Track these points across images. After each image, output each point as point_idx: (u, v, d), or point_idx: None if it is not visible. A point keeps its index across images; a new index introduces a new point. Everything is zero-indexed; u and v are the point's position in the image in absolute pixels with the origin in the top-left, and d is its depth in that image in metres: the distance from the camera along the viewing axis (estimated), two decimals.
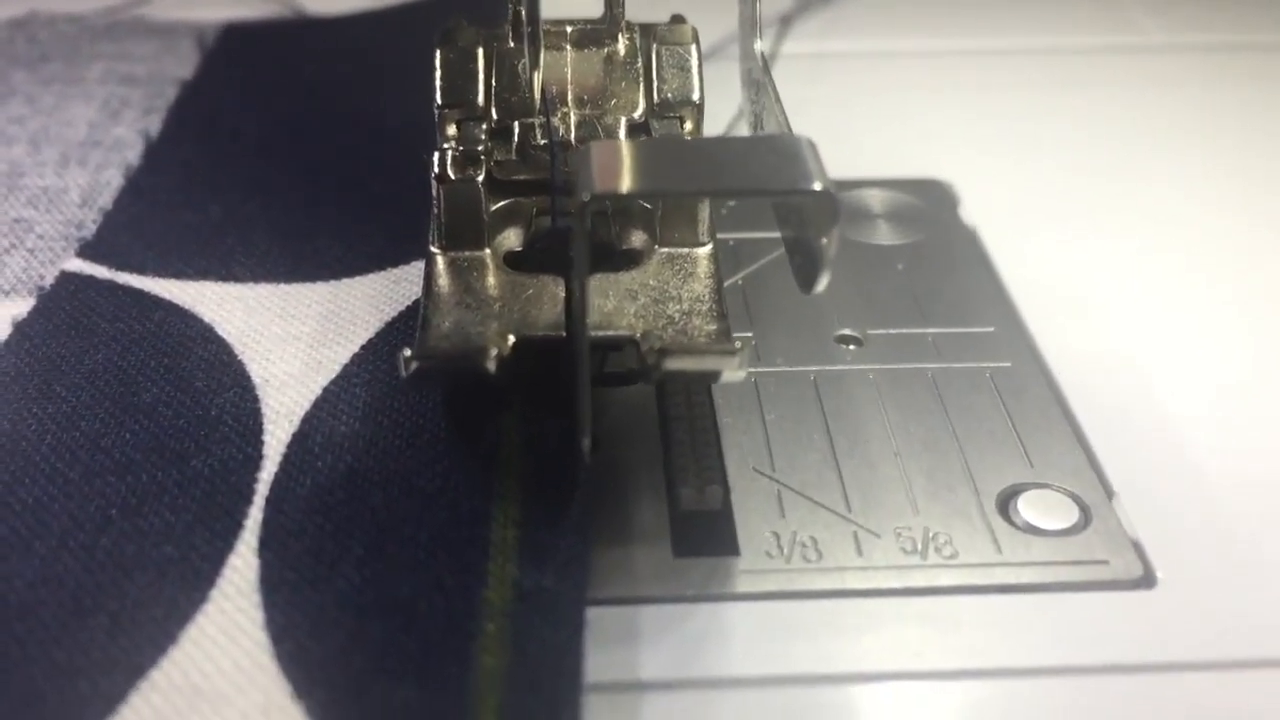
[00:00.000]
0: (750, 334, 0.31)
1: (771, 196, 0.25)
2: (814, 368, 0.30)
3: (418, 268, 0.29)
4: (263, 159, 0.37)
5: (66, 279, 0.31)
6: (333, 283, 0.31)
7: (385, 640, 0.21)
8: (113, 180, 0.36)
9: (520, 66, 0.28)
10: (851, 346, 0.31)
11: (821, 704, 0.22)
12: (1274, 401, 0.29)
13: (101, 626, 0.22)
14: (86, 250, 0.33)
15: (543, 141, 0.28)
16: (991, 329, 0.31)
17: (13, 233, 0.34)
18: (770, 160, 0.22)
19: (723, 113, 0.36)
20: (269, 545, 0.23)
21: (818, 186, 0.22)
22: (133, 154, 0.38)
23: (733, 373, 0.24)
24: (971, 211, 0.36)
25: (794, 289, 0.31)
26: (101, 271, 0.32)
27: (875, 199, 0.37)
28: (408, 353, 0.23)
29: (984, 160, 0.39)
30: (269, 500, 0.24)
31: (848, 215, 0.36)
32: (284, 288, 0.31)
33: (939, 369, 0.30)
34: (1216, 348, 0.31)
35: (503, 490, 0.24)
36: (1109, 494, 0.26)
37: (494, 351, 0.24)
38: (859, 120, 0.42)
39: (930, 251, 0.34)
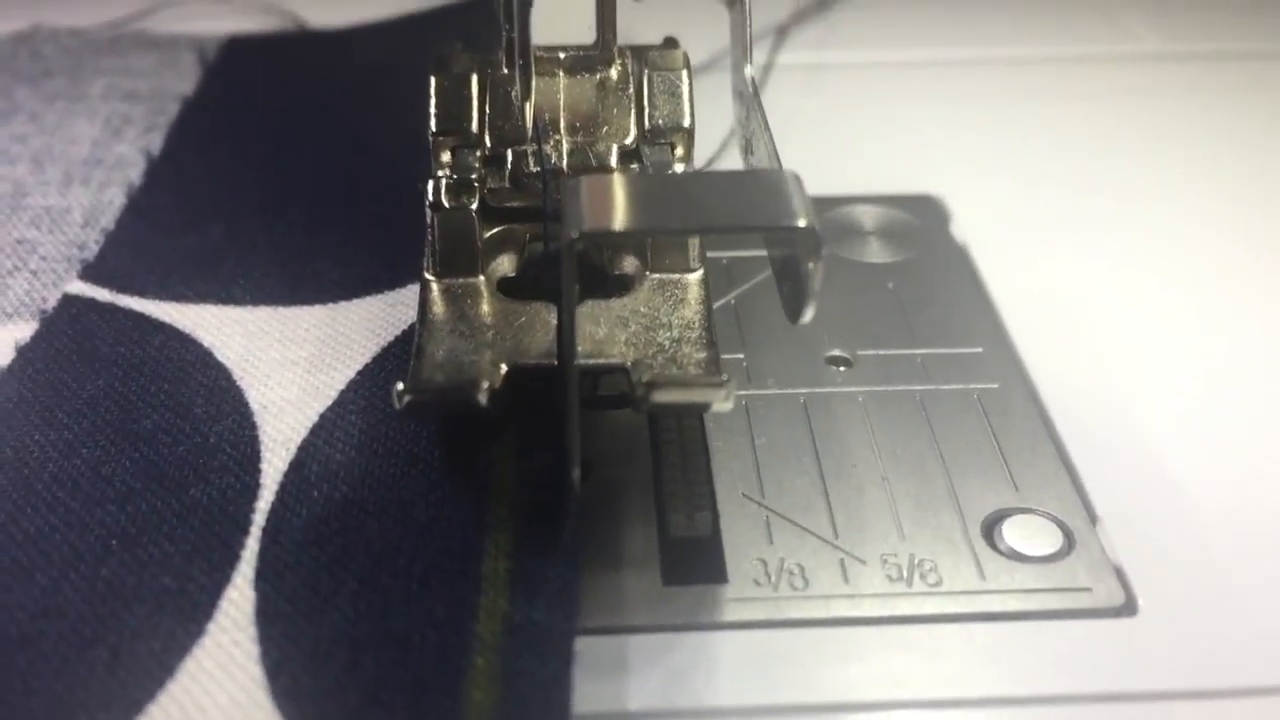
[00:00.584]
0: (742, 355, 0.31)
1: (757, 233, 0.25)
2: (804, 390, 0.30)
3: (413, 291, 0.29)
4: (263, 178, 0.38)
5: (69, 302, 0.32)
6: (330, 305, 0.31)
7: (379, 674, 0.22)
8: (115, 200, 0.37)
9: (514, 94, 0.28)
10: (841, 368, 0.31)
11: None
12: (1260, 429, 0.29)
13: (101, 660, 0.22)
14: (89, 272, 0.33)
15: (536, 169, 0.28)
16: (980, 349, 0.31)
17: (16, 254, 0.34)
18: (756, 196, 0.23)
19: (716, 124, 0.36)
20: (265, 577, 0.24)
21: (802, 223, 0.22)
22: (135, 173, 0.38)
23: (721, 404, 0.24)
24: (963, 227, 0.37)
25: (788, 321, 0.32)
26: (103, 294, 0.32)
27: (867, 215, 0.37)
28: (400, 386, 0.24)
29: (977, 174, 0.40)
30: (265, 531, 0.25)
31: (839, 231, 0.36)
32: (283, 311, 0.31)
33: (927, 390, 0.30)
34: (1205, 373, 0.31)
35: (495, 520, 0.25)
36: (1093, 519, 0.26)
37: (485, 384, 0.24)
38: (852, 133, 0.42)
39: (921, 269, 0.35)
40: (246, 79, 0.44)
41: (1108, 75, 0.46)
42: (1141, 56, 0.48)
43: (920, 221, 0.37)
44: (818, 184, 0.23)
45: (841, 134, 0.42)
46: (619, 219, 0.22)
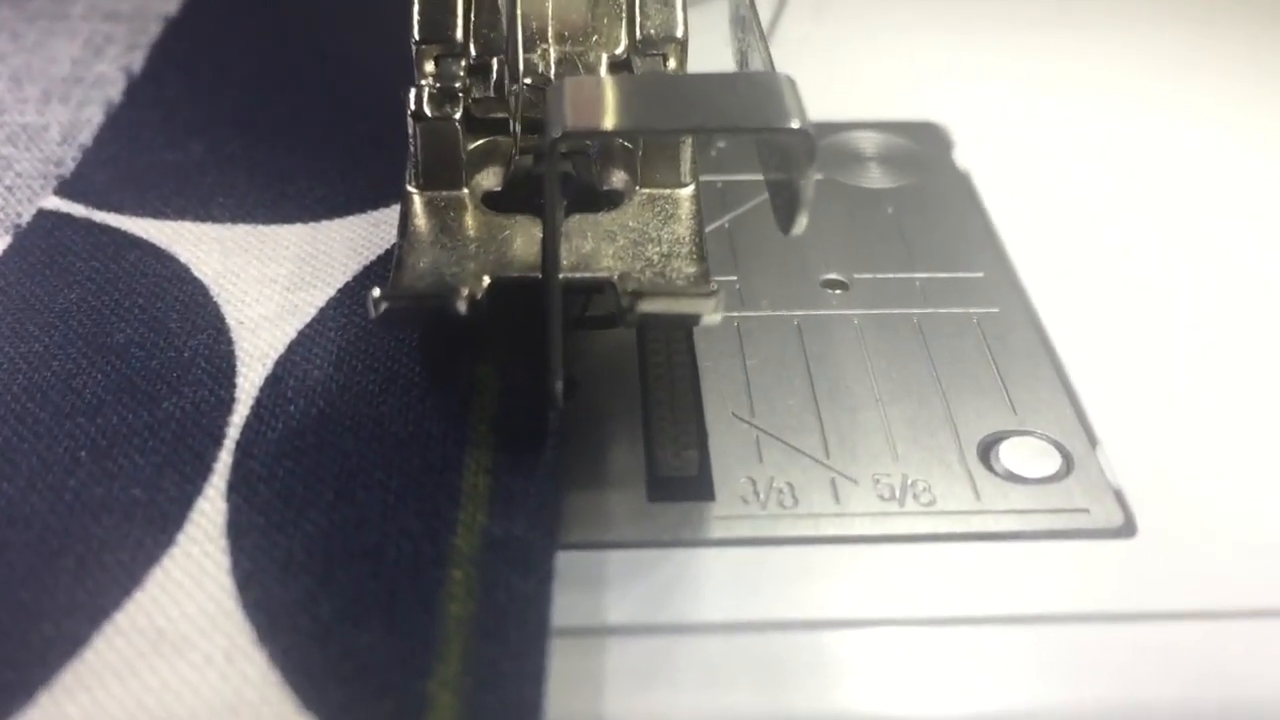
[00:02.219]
0: (735, 277, 0.30)
1: (748, 134, 0.24)
2: (798, 312, 0.29)
3: (397, 210, 0.28)
4: (246, 98, 0.37)
5: (43, 217, 0.31)
6: (312, 224, 0.31)
7: (352, 586, 0.21)
8: (94, 117, 0.36)
9: (501, 1, 0.27)
10: (837, 291, 0.30)
11: (794, 650, 0.22)
12: (1261, 354, 0.28)
13: (67, 569, 0.22)
14: (64, 188, 0.32)
15: (527, 81, 0.27)
16: (980, 274, 0.31)
17: None
18: (748, 97, 0.22)
19: (711, 53, 0.35)
20: (238, 490, 0.23)
21: (795, 124, 0.21)
22: (115, 91, 0.37)
23: (710, 316, 0.23)
24: (965, 155, 0.36)
25: (780, 232, 0.31)
26: (79, 210, 0.31)
27: (867, 141, 0.36)
28: (377, 293, 0.23)
29: (981, 102, 0.39)
30: (239, 444, 0.24)
31: (839, 157, 0.35)
32: (262, 229, 0.31)
33: (925, 314, 0.29)
34: (1207, 298, 0.30)
35: (475, 437, 0.24)
36: (1092, 442, 0.26)
37: (465, 292, 0.23)
38: (854, 60, 0.41)
39: (921, 195, 0.34)
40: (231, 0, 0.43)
41: (1111, 8, 0.45)
42: None
43: (922, 148, 0.36)
44: (817, 110, 0.22)
45: (841, 62, 0.41)
46: (605, 118, 0.21)
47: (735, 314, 0.29)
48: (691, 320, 0.24)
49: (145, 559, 0.22)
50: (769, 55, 0.26)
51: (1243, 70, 0.41)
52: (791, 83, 0.22)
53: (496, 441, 0.24)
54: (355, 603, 0.21)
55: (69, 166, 0.33)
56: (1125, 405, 0.27)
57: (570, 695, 0.21)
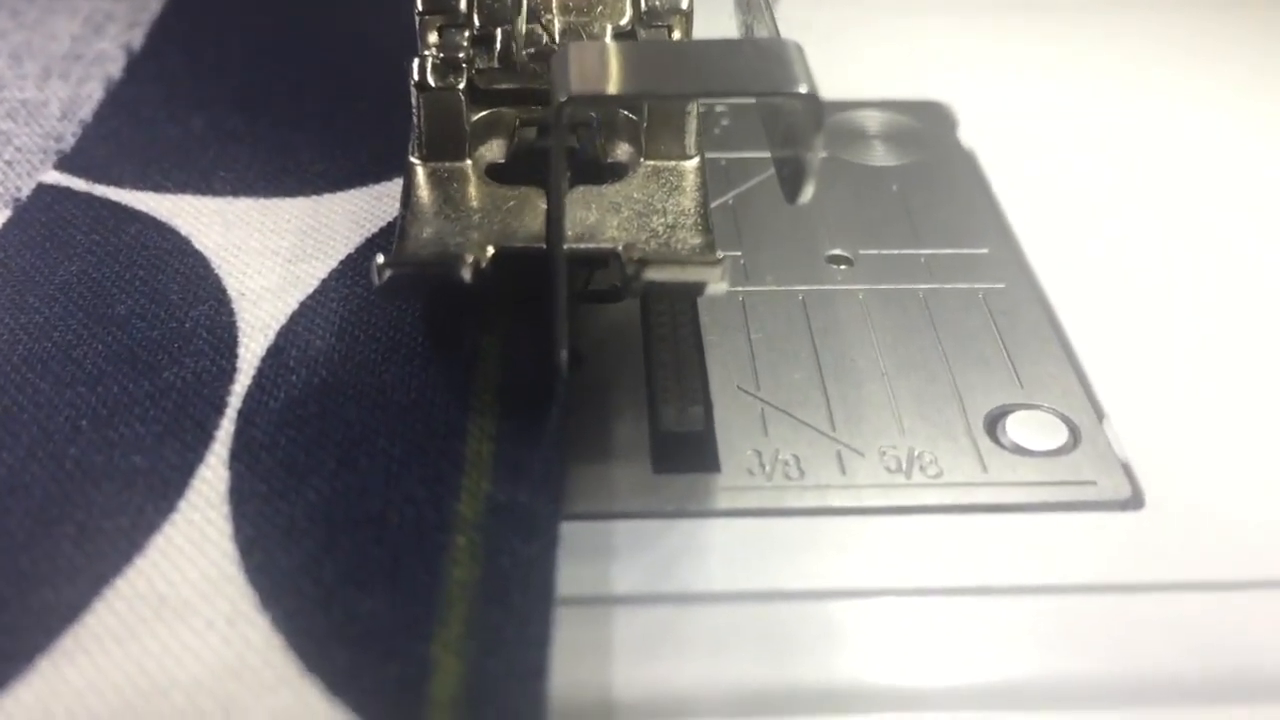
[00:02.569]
0: (739, 253, 0.30)
1: (755, 98, 0.24)
2: (803, 287, 0.29)
3: (400, 183, 0.28)
4: (247, 73, 0.36)
5: (43, 191, 0.31)
6: (314, 198, 0.30)
7: (355, 552, 0.21)
8: (94, 93, 0.35)
9: None
10: (842, 266, 0.30)
11: (801, 619, 0.22)
12: (1267, 328, 0.28)
13: (67, 535, 0.22)
14: (64, 162, 0.32)
15: (530, 50, 0.27)
16: (986, 250, 0.30)
17: None
18: (755, 62, 0.22)
19: (714, 27, 0.35)
20: (240, 457, 0.23)
21: (803, 89, 0.21)
22: (115, 67, 0.37)
23: (716, 284, 0.23)
24: (970, 134, 0.36)
25: (785, 209, 0.31)
26: (79, 184, 0.31)
27: (871, 120, 0.36)
28: (381, 260, 0.23)
29: (985, 82, 0.38)
30: (241, 413, 0.24)
31: (843, 135, 0.35)
32: (264, 202, 0.30)
33: (930, 289, 0.29)
34: (1213, 273, 0.30)
35: (478, 405, 0.24)
36: (1099, 415, 0.26)
37: (470, 259, 0.23)
38: (858, 41, 0.41)
39: (926, 173, 0.34)
40: None
41: None
42: None
43: (926, 127, 0.36)
44: (821, 90, 0.22)
45: (845, 42, 0.41)
46: (610, 82, 0.21)
47: (740, 288, 0.29)
48: (697, 289, 0.24)
49: (146, 526, 0.22)
50: (775, 25, 0.26)
51: (1248, 51, 0.40)
52: (799, 49, 0.22)
53: (500, 409, 0.23)
54: (358, 568, 0.20)
55: (69, 141, 0.33)
56: (1131, 379, 0.27)
57: (577, 664, 0.21)
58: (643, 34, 0.27)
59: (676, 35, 0.28)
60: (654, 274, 0.23)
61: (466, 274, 0.23)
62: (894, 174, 0.34)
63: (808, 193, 0.23)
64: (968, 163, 0.34)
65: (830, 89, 0.27)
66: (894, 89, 0.37)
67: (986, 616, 0.22)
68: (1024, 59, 0.40)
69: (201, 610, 0.20)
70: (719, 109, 0.36)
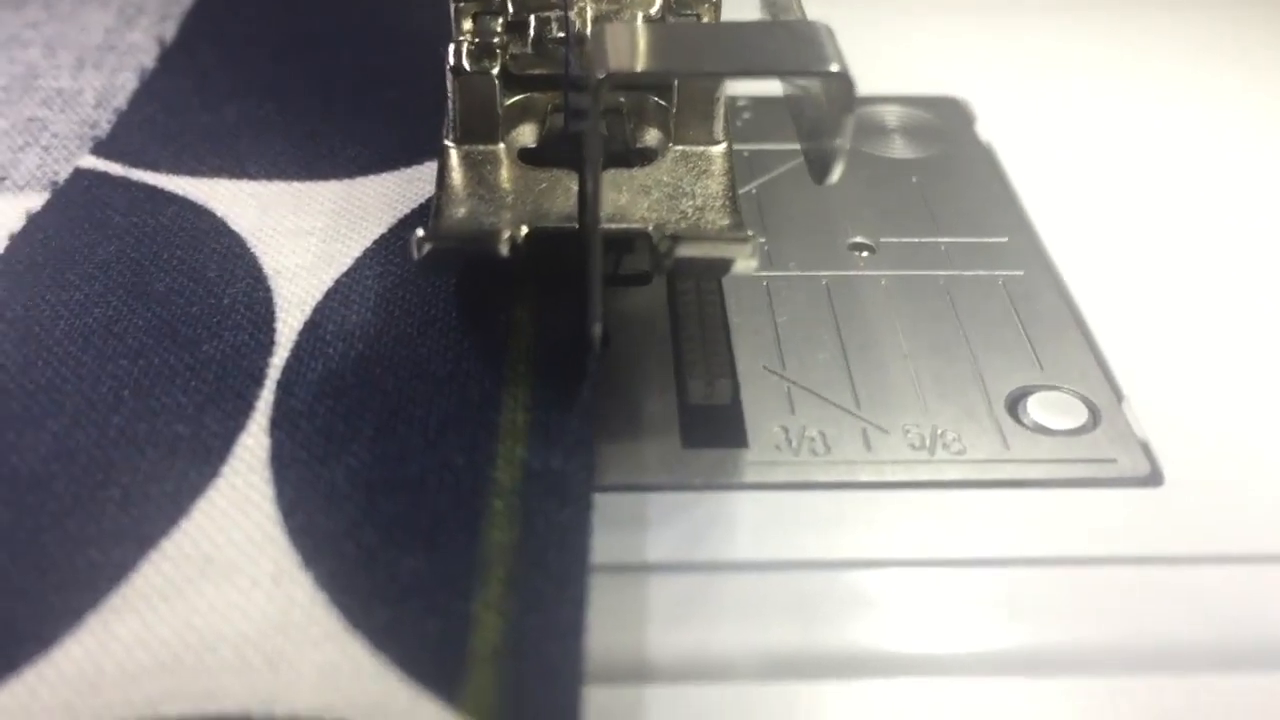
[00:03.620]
0: (763, 240, 0.31)
1: (786, 77, 0.24)
2: (826, 273, 0.30)
3: (432, 168, 0.29)
4: (279, 64, 0.37)
5: (80, 175, 0.31)
6: (346, 181, 0.31)
7: (394, 514, 0.21)
8: (127, 83, 0.36)
9: None
10: (864, 254, 0.30)
11: (826, 588, 0.22)
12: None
13: (113, 499, 0.22)
14: (100, 148, 0.33)
15: (560, 34, 0.27)
16: (1005, 239, 0.31)
17: (28, 131, 0.34)
18: (787, 43, 0.22)
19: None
20: (280, 425, 0.23)
21: (834, 68, 0.21)
22: (148, 58, 0.37)
23: (745, 261, 0.24)
24: (987, 128, 0.36)
25: (808, 198, 0.31)
26: (115, 168, 0.32)
27: (891, 114, 0.36)
28: (420, 233, 0.23)
29: (1001, 79, 0.39)
30: (280, 384, 0.24)
31: (864, 129, 0.36)
32: (297, 185, 0.31)
33: (951, 276, 0.30)
34: (1227, 256, 0.31)
35: (513, 375, 0.24)
36: (1118, 397, 0.26)
37: (507, 234, 0.24)
38: (877, 36, 0.41)
39: (945, 165, 0.34)
40: None
41: None
42: None
43: (944, 121, 0.36)
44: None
45: (864, 39, 0.41)
46: (645, 60, 0.22)
47: (764, 273, 0.29)
48: (726, 266, 0.24)
49: (190, 490, 0.22)
50: (803, 11, 0.27)
51: (1263, 45, 0.41)
52: (829, 31, 0.22)
53: (534, 380, 0.24)
54: (399, 529, 0.21)
55: (104, 129, 0.34)
56: (1149, 361, 0.27)
57: (613, 628, 0.21)
58: (672, 21, 0.28)
59: (706, 22, 0.28)
60: (685, 250, 0.24)
61: (504, 249, 0.23)
62: (914, 166, 0.34)
63: (836, 173, 0.23)
64: (985, 156, 0.35)
65: None
66: (913, 85, 0.38)
67: (1008, 587, 0.22)
68: (1039, 55, 0.41)
69: (246, 569, 0.21)
70: (740, 102, 0.36)
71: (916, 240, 0.31)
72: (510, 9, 0.28)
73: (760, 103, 0.36)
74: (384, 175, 0.31)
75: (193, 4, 0.41)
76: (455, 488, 0.22)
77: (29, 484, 0.22)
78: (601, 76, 0.21)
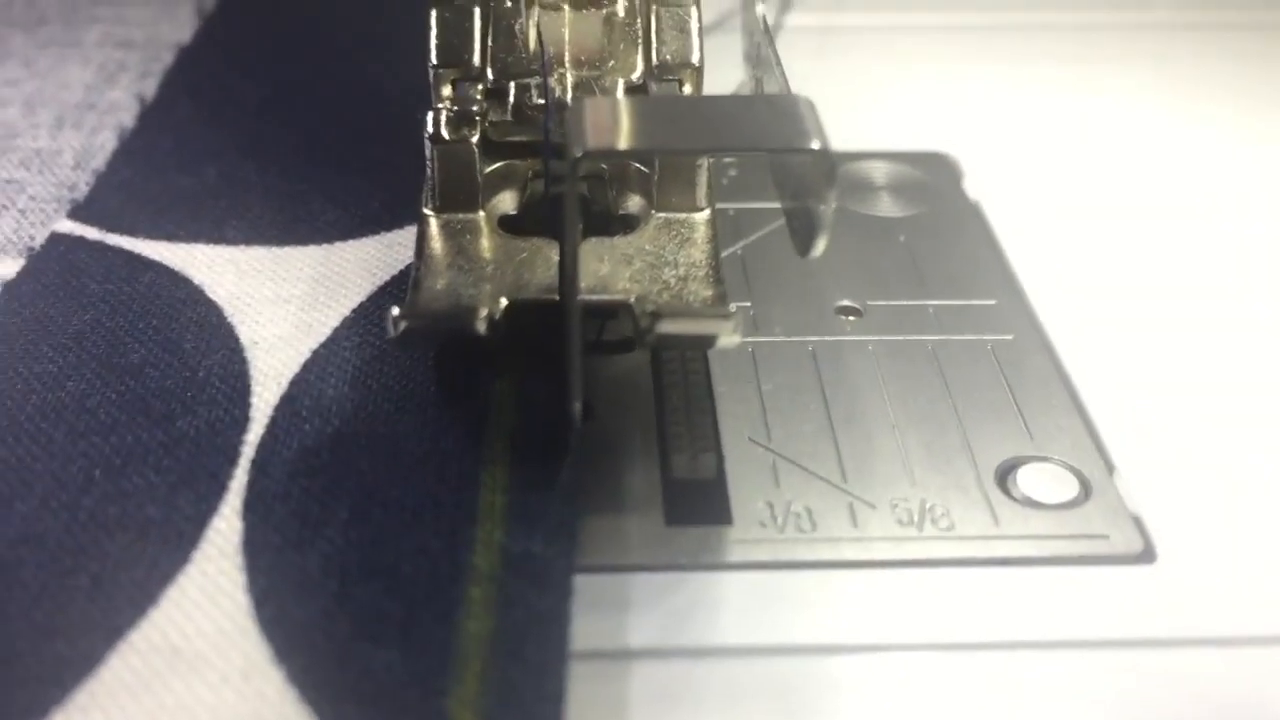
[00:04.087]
0: (749, 303, 0.30)
1: (768, 154, 0.24)
2: (812, 338, 0.29)
3: (412, 232, 0.28)
4: (259, 123, 0.37)
5: (56, 240, 0.31)
6: (325, 246, 0.31)
7: (368, 604, 0.21)
8: (107, 143, 0.36)
9: (517, 26, 0.28)
10: (851, 318, 0.30)
11: (814, 674, 0.22)
12: (1276, 378, 0.28)
13: (81, 587, 0.22)
14: (78, 211, 0.32)
15: (539, 101, 0.27)
16: (993, 302, 0.31)
17: (4, 194, 0.33)
18: (768, 118, 0.22)
19: (724, 81, 0.35)
20: (253, 508, 0.23)
21: (815, 145, 0.21)
22: (128, 117, 0.37)
23: (728, 337, 0.23)
24: (975, 185, 0.36)
25: (795, 259, 0.31)
26: (92, 232, 0.31)
27: (878, 171, 0.36)
28: (396, 311, 0.23)
29: (989, 135, 0.39)
30: (255, 463, 0.24)
31: (850, 186, 0.35)
32: (276, 250, 0.31)
33: (939, 341, 0.29)
34: (1219, 324, 0.30)
35: (492, 455, 0.24)
36: (1110, 468, 0.26)
37: (484, 312, 0.23)
38: (863, 94, 0.41)
39: (933, 224, 0.34)
40: (244, 28, 0.43)
41: (1119, 42, 0.46)
42: (1154, 25, 0.47)
43: (932, 178, 0.36)
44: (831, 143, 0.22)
45: (850, 95, 0.41)
46: (624, 138, 0.21)
47: (750, 339, 0.29)
48: (709, 341, 0.24)
49: (160, 577, 0.22)
50: (785, 80, 0.26)
51: (1249, 101, 0.41)
52: (810, 104, 0.22)
53: (513, 460, 0.24)
54: (373, 620, 0.20)
55: (82, 190, 0.33)
56: (1141, 431, 0.27)
57: (592, 718, 0.20)
58: (654, 88, 0.28)
59: (687, 89, 0.28)
60: (667, 326, 0.23)
61: (480, 326, 0.23)
62: (901, 225, 0.34)
63: (820, 246, 0.23)
64: (974, 214, 0.35)
65: (836, 140, 0.27)
66: (900, 140, 0.38)
67: (1000, 671, 0.22)
68: (1027, 111, 0.41)
69: (216, 663, 0.20)
70: (727, 160, 0.36)
71: (904, 303, 0.30)
72: (489, 76, 0.27)
73: (748, 161, 0.36)
74: (364, 240, 0.31)
75: (174, 61, 0.40)
76: (431, 574, 0.21)
77: None
78: (578, 155, 0.21)
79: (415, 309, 0.24)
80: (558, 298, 0.25)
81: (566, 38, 0.28)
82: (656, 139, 0.22)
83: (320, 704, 0.19)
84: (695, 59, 0.28)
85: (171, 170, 0.34)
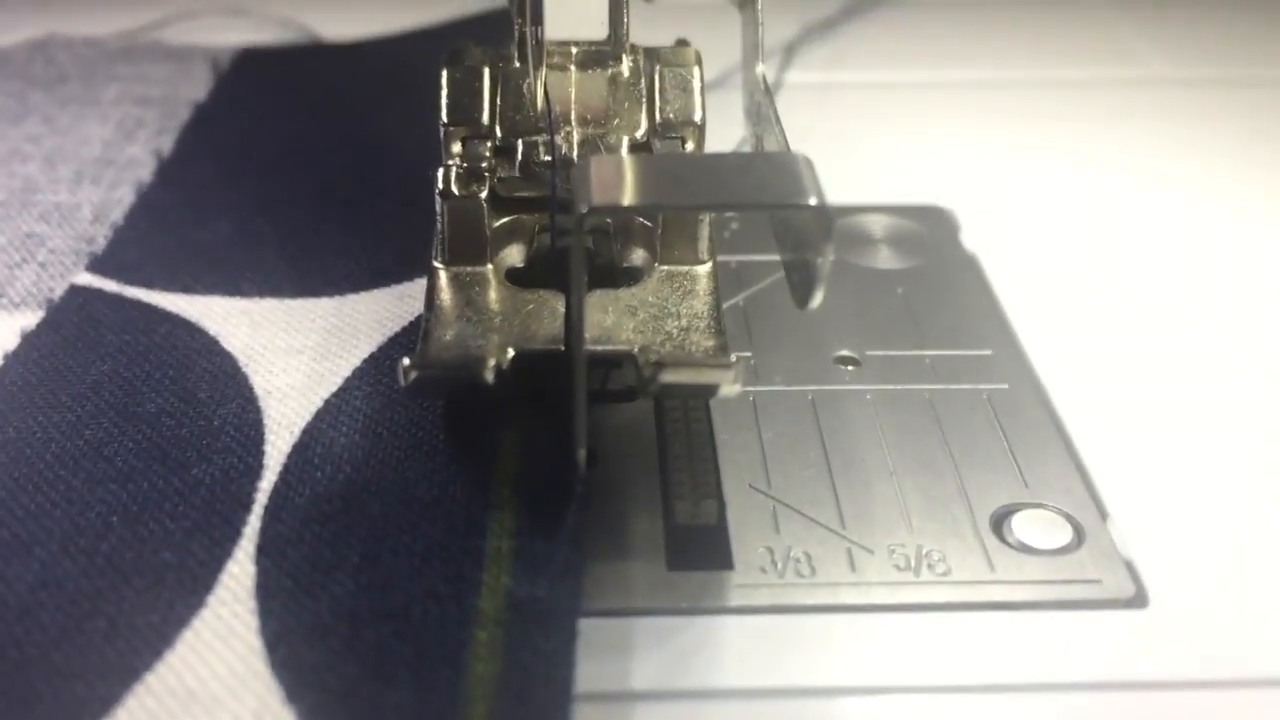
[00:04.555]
0: (749, 353, 0.31)
1: (767, 210, 0.25)
2: (812, 387, 0.30)
3: (422, 284, 0.29)
4: (273, 178, 0.38)
5: (75, 292, 0.32)
6: (338, 298, 0.31)
7: (378, 646, 0.21)
8: (125, 198, 0.37)
9: (525, 85, 0.29)
10: (850, 367, 0.31)
11: (813, 716, 0.22)
12: (1270, 427, 0.29)
13: (99, 630, 0.22)
14: (96, 264, 0.33)
15: (546, 158, 0.28)
16: (989, 352, 0.31)
17: (25, 247, 0.34)
18: (767, 175, 0.23)
19: (725, 135, 0.36)
20: (266, 553, 0.24)
21: (813, 201, 0.22)
22: (145, 172, 0.38)
23: (729, 387, 0.24)
24: (972, 238, 0.37)
25: (794, 310, 0.32)
26: (110, 285, 0.32)
27: (876, 224, 0.37)
28: (406, 362, 0.24)
29: (985, 189, 0.40)
30: (268, 509, 0.25)
31: (849, 239, 0.36)
32: (289, 303, 0.31)
33: (936, 390, 0.30)
34: (1212, 374, 0.31)
35: (498, 501, 0.24)
36: (1103, 515, 0.26)
37: (492, 362, 0.24)
38: (861, 148, 0.42)
39: (930, 276, 0.35)
40: (259, 86, 0.44)
41: (1113, 99, 0.47)
42: (1147, 80, 0.48)
43: (929, 231, 0.37)
44: (829, 198, 0.23)
45: (849, 150, 0.42)
46: (629, 194, 0.22)
47: (750, 389, 0.30)
48: (710, 391, 0.25)
49: (176, 621, 0.22)
50: (784, 138, 0.27)
51: (1242, 162, 0.42)
52: (808, 162, 0.23)
53: (519, 506, 0.24)
54: (382, 662, 0.21)
55: (100, 244, 0.34)
56: (1134, 479, 0.27)
57: None
58: (658, 145, 0.29)
59: (690, 146, 0.29)
60: (669, 376, 0.24)
61: (489, 376, 0.24)
62: (899, 277, 0.35)
63: (818, 298, 0.24)
64: (970, 266, 0.35)
65: (835, 193, 0.28)
66: (898, 194, 0.38)
67: (995, 713, 0.22)
68: (1023, 164, 0.41)
69: (229, 705, 0.21)
70: (729, 215, 0.37)
71: (902, 353, 0.31)
72: (498, 134, 0.28)
73: (748, 216, 0.37)
74: (375, 292, 0.32)
75: (190, 118, 0.41)
76: (440, 618, 0.22)
77: (17, 614, 0.22)
78: (584, 210, 0.22)
79: (425, 359, 0.25)
80: (563, 348, 0.25)
81: (573, 96, 0.29)
82: (660, 196, 0.22)
83: None
84: (697, 117, 0.29)
85: (188, 224, 0.35)
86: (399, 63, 0.46)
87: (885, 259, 0.35)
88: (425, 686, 0.21)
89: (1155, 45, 0.51)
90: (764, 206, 0.23)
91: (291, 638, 0.22)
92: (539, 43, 0.27)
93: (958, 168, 0.41)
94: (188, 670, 0.21)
